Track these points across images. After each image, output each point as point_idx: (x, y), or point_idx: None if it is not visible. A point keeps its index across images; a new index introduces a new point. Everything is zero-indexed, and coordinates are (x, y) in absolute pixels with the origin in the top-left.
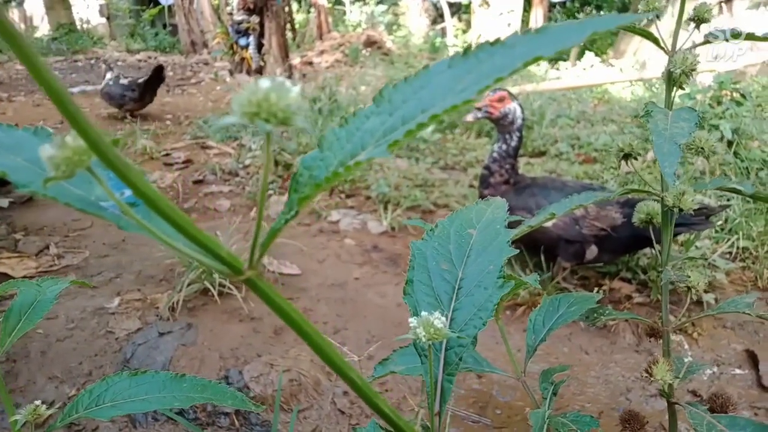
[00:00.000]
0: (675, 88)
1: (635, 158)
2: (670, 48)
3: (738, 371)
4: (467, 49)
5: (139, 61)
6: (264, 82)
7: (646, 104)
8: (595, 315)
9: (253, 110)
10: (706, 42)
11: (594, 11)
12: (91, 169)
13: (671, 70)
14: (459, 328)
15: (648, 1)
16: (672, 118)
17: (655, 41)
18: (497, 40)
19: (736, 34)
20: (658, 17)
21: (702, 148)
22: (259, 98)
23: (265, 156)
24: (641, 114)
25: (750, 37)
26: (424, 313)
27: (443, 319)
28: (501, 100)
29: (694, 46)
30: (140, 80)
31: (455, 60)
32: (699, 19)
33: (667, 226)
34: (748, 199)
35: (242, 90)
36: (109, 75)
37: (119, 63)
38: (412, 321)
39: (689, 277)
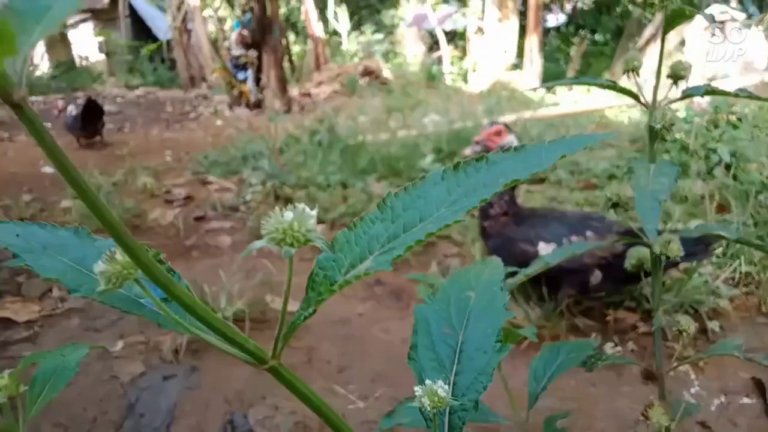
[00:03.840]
0: (657, 142)
1: (624, 209)
2: (655, 101)
3: (746, 400)
4: (457, 165)
5: (138, 97)
6: (288, 214)
7: (629, 159)
8: (593, 361)
9: (280, 236)
10: (685, 97)
11: (589, 35)
12: (139, 281)
13: (652, 125)
14: (461, 393)
15: (627, 61)
16: (653, 173)
17: (636, 98)
18: (482, 157)
19: (710, 91)
20: (638, 73)
21: (685, 197)
22: (285, 227)
23: (287, 278)
24: (625, 171)
25: (717, 92)
26: (428, 382)
27: (446, 387)
28: (498, 133)
29: (682, 98)
30: (75, 113)
31: (447, 173)
32: (675, 77)
33: (656, 273)
34: (749, 222)
35: (271, 219)
36: (70, 107)
37: (118, 99)
38: (418, 390)
39: (679, 321)
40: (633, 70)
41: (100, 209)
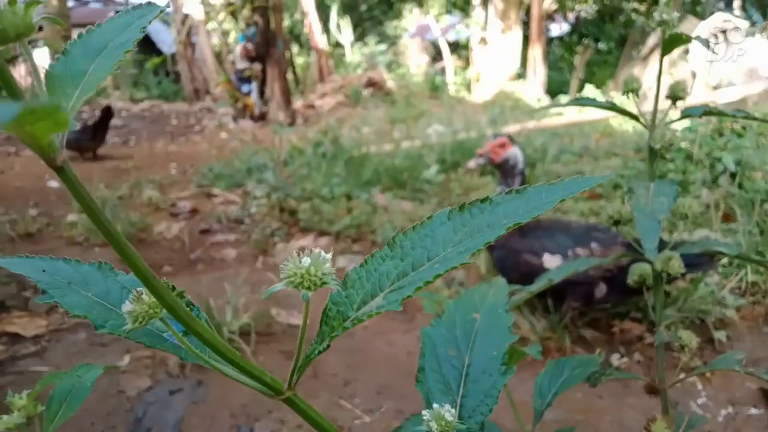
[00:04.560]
0: (656, 161)
1: (625, 225)
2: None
3: (754, 411)
4: (462, 206)
5: (143, 110)
6: (305, 259)
7: (630, 179)
8: (597, 376)
9: (298, 281)
10: (684, 117)
11: (592, 43)
12: (164, 320)
13: (652, 145)
14: (467, 415)
15: (626, 82)
16: (653, 192)
17: (635, 118)
18: (486, 199)
19: (708, 112)
20: (637, 94)
21: (685, 214)
22: (302, 272)
23: (302, 321)
24: (626, 190)
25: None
26: (435, 406)
27: (453, 411)
28: (502, 145)
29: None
30: (89, 122)
31: (453, 214)
32: (674, 98)
33: (658, 289)
34: (754, 231)
35: (289, 263)
36: None
37: (123, 113)
38: (425, 414)
39: (681, 337)
40: (632, 91)
41: (137, 265)
